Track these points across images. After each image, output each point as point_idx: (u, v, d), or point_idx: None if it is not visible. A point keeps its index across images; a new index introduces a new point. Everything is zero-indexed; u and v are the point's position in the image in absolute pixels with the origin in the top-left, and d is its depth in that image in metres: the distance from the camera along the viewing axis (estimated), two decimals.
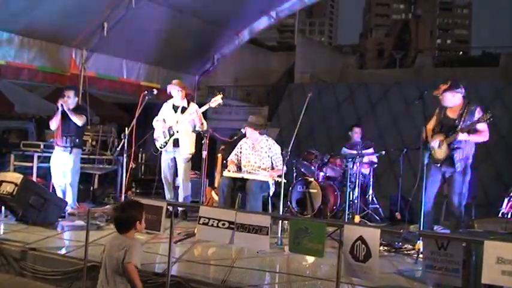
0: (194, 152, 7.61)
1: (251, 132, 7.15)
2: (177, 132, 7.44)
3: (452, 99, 6.05)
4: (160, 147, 7.57)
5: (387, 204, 8.99)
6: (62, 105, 7.32)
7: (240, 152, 7.33)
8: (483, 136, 5.93)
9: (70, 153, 7.43)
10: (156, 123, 7.63)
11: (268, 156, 7.10)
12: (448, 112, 6.12)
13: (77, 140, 7.52)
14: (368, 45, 71.20)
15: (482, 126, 5.88)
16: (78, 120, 7.41)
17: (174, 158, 7.54)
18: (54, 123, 7.46)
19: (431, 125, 6.21)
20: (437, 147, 5.99)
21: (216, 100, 7.23)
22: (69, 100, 7.43)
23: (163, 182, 7.66)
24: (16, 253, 5.21)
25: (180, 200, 7.48)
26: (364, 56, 40.15)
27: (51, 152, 7.70)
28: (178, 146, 7.47)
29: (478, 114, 5.93)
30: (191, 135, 7.52)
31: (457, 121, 5.96)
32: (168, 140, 7.48)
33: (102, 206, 8.43)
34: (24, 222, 6.52)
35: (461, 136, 5.83)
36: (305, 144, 10.80)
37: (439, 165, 5.99)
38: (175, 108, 7.60)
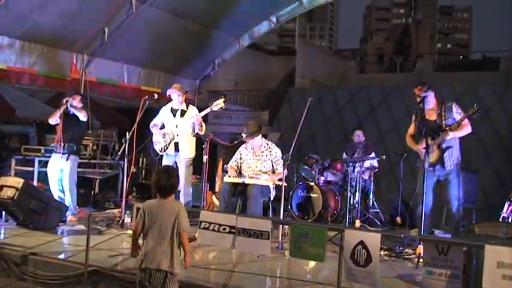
0: (194, 156, 7.60)
1: (253, 140, 7.17)
2: (177, 135, 7.43)
3: (433, 100, 6.09)
4: (160, 151, 7.56)
5: (388, 208, 8.98)
6: (66, 101, 7.31)
7: (240, 158, 7.33)
8: (466, 129, 5.97)
9: (67, 159, 7.42)
10: (153, 128, 7.61)
11: (269, 159, 7.10)
12: (426, 116, 6.09)
13: (75, 147, 7.51)
14: (368, 50, 71.31)
15: (464, 121, 5.93)
16: (80, 114, 7.40)
17: (175, 162, 7.53)
18: (54, 119, 7.43)
19: (411, 131, 6.24)
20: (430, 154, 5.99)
21: (218, 104, 7.23)
22: (74, 101, 7.43)
23: None
24: (17, 258, 5.21)
25: None
26: (364, 60, 40.21)
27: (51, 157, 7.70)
28: (179, 150, 7.47)
29: (455, 109, 6.02)
30: (191, 139, 7.50)
31: (438, 121, 5.99)
32: (169, 144, 7.47)
33: (102, 211, 8.44)
34: (25, 226, 6.53)
35: (451, 134, 5.85)
36: (306, 149, 10.82)
37: (431, 168, 6.00)
38: (173, 112, 7.58)
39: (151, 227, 3.72)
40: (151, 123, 7.66)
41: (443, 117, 5.97)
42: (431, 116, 6.10)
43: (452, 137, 5.93)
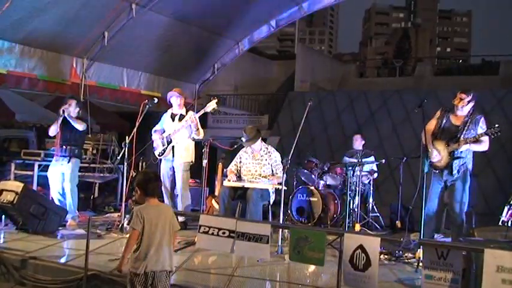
0: (193, 161, 7.60)
1: (253, 145, 7.18)
2: (174, 140, 7.43)
3: (467, 108, 6.05)
4: (159, 155, 7.57)
5: (387, 212, 8.99)
6: (63, 111, 7.34)
7: (240, 162, 7.33)
8: (484, 146, 5.92)
9: (68, 162, 7.43)
10: (154, 133, 7.63)
11: (269, 163, 7.11)
12: (452, 118, 6.10)
13: (76, 151, 7.52)
14: (368, 54, 71.44)
15: (485, 137, 5.89)
16: (78, 125, 7.41)
17: (173, 166, 7.53)
18: (53, 130, 7.47)
19: (431, 125, 6.18)
20: (438, 158, 5.98)
21: (211, 105, 7.22)
22: (71, 108, 7.44)
23: (163, 190, 7.64)
24: (16, 262, 5.21)
25: (179, 209, 7.46)
26: (364, 64, 40.23)
27: (52, 161, 7.70)
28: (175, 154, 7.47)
29: (482, 123, 5.95)
30: (188, 143, 7.50)
31: (460, 128, 5.96)
32: (166, 148, 7.47)
33: (102, 215, 8.44)
34: (25, 230, 6.53)
35: (464, 147, 5.83)
36: (305, 153, 10.82)
37: (437, 171, 5.99)
38: (173, 116, 7.61)
39: (153, 231, 3.75)
40: (153, 129, 7.68)
41: (466, 127, 5.92)
42: (456, 121, 6.07)
43: (467, 149, 5.91)
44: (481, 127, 5.97)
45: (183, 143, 7.46)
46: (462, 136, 5.88)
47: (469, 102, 6.03)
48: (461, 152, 5.90)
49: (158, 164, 7.72)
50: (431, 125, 6.17)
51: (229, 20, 9.95)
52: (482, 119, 6.00)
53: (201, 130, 7.44)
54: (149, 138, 7.72)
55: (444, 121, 6.14)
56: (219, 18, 9.74)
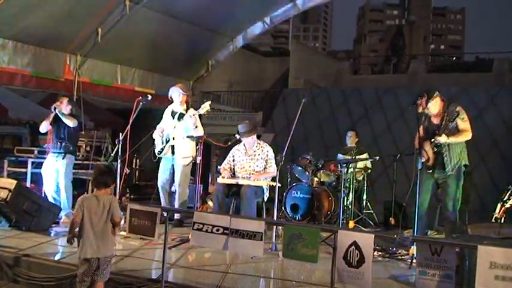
0: (193, 156, 7.42)
1: (247, 139, 7.15)
2: (173, 138, 7.37)
3: (436, 106, 6.01)
4: (159, 154, 7.50)
5: (381, 209, 8.99)
6: (55, 107, 7.32)
7: (233, 160, 7.30)
8: (464, 135, 5.89)
9: (63, 158, 7.40)
10: (155, 131, 7.56)
11: (262, 158, 7.09)
12: (432, 118, 6.10)
13: (71, 148, 7.50)
14: (362, 51, 71.52)
15: (463, 125, 5.86)
16: (69, 122, 7.38)
17: (173, 165, 7.46)
18: (44, 126, 7.45)
19: (420, 133, 6.20)
20: (426, 157, 5.97)
21: (205, 107, 7.13)
22: (62, 105, 7.42)
23: (160, 188, 7.57)
24: (10, 259, 5.18)
25: (176, 206, 7.42)
26: (358, 61, 40.28)
27: (45, 158, 7.67)
28: (175, 152, 7.41)
29: (458, 113, 5.87)
30: (187, 140, 7.42)
31: (439, 124, 5.95)
32: (164, 147, 7.41)
33: None
34: (18, 228, 6.50)
35: (441, 139, 5.80)
36: (299, 150, 10.81)
37: (431, 171, 5.99)
38: (173, 114, 7.53)
39: (92, 220, 4.03)
40: (158, 126, 7.58)
41: (444, 121, 5.89)
42: (437, 119, 6.04)
43: (444, 142, 5.88)
44: (460, 117, 5.89)
45: (183, 140, 7.38)
46: (441, 131, 5.85)
47: (432, 101, 5.99)
48: (441, 145, 5.87)
49: (157, 162, 7.63)
50: (420, 131, 6.19)
51: (223, 17, 9.94)
52: (458, 108, 5.91)
53: (200, 127, 7.36)
54: (143, 135, 7.67)
55: (426, 124, 6.15)
56: (213, 15, 9.73)
